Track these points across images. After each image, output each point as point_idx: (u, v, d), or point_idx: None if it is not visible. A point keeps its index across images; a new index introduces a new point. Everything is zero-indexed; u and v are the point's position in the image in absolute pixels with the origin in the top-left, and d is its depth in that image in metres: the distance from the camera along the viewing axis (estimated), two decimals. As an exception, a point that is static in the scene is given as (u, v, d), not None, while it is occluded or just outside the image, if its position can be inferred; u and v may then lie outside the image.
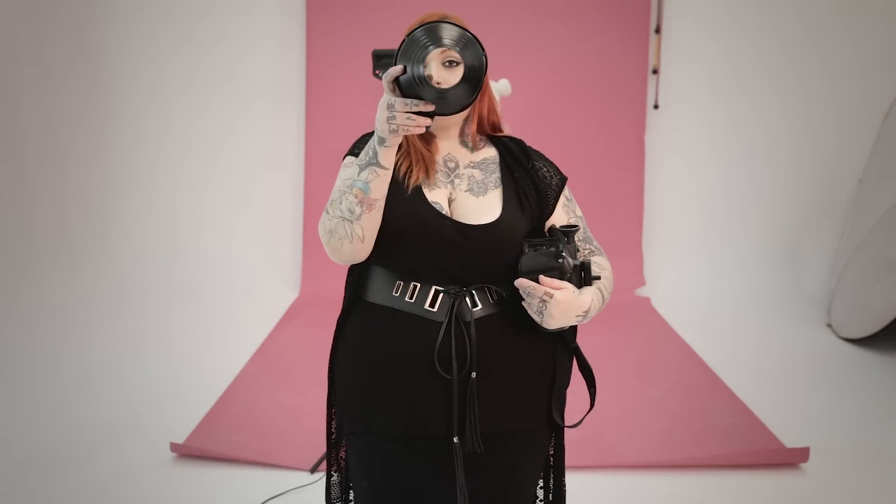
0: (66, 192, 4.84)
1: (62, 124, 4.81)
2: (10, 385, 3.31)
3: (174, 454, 2.66)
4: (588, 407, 1.39)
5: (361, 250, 1.25)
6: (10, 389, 3.26)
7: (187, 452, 2.65)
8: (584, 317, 1.24)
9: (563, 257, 1.21)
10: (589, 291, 1.24)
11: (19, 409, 3.07)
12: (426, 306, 1.27)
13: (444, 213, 1.28)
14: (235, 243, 4.94)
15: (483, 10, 4.71)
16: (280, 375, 3.39)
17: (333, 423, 1.45)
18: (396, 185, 1.28)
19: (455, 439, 1.25)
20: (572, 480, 2.54)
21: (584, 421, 1.37)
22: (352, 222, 1.21)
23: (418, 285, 1.28)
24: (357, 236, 1.22)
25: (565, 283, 1.21)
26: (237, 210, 5.01)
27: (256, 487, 2.45)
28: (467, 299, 1.27)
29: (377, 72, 3.25)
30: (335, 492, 1.49)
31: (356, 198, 1.20)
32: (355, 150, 1.32)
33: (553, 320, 1.20)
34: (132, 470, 2.57)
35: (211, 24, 4.86)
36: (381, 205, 1.22)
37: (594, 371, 1.38)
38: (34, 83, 4.70)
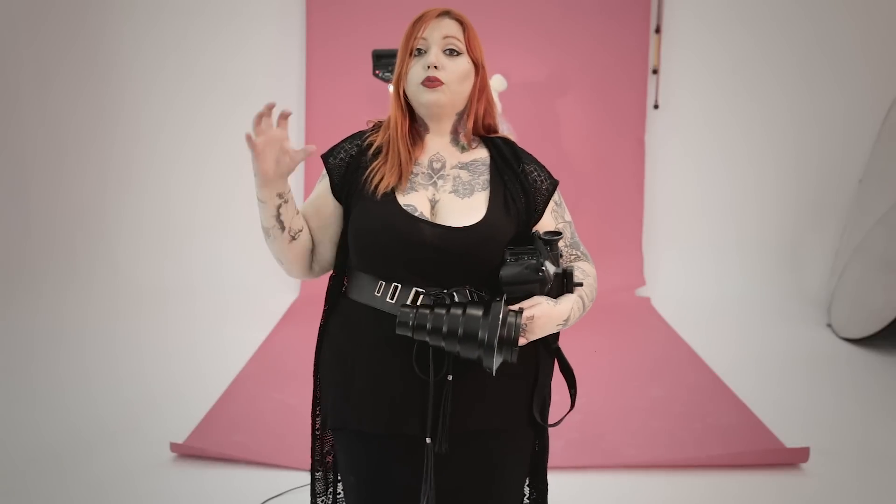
0: (63, 191, 4.84)
1: (58, 124, 4.80)
2: (9, 386, 3.30)
3: (174, 454, 2.65)
4: (569, 407, 1.37)
5: (293, 271, 1.37)
6: (8, 391, 3.26)
7: (187, 452, 2.65)
8: (565, 324, 1.25)
9: (543, 270, 1.20)
10: (569, 299, 1.24)
11: (18, 410, 3.07)
12: None
13: (416, 215, 1.27)
14: (235, 243, 4.93)
15: (483, 9, 4.71)
16: (280, 375, 3.38)
17: (318, 418, 1.45)
18: (370, 194, 1.29)
19: (427, 440, 1.25)
20: (572, 480, 2.55)
21: (565, 420, 1.35)
22: (269, 245, 1.32)
23: (399, 286, 1.27)
24: (277, 259, 1.35)
25: (538, 298, 1.21)
26: (237, 210, 5.00)
27: (256, 487, 2.45)
28: (447, 301, 1.25)
29: (377, 72, 3.26)
30: (319, 487, 1.47)
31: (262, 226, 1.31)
32: (329, 156, 1.36)
33: (535, 335, 1.21)
34: (131, 470, 2.56)
35: (208, 22, 4.85)
36: (276, 233, 1.29)
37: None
38: (30, 82, 4.70)
